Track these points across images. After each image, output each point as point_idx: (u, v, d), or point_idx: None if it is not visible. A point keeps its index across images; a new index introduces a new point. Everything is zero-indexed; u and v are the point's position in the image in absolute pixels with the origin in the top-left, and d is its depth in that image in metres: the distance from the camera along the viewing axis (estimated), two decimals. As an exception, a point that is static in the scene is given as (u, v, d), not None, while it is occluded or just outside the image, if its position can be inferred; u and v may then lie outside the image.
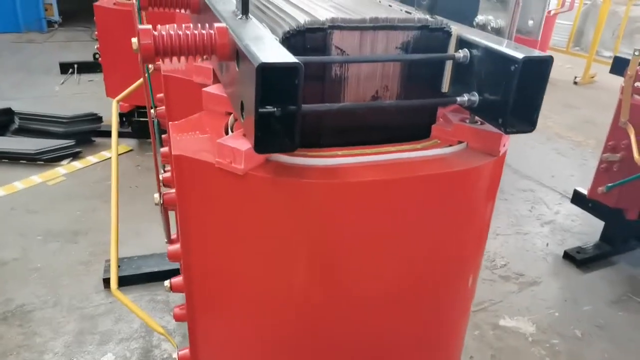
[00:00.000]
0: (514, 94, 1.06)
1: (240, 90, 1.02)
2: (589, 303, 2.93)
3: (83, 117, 4.61)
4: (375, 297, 1.24)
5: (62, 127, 4.44)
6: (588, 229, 3.64)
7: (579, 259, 3.21)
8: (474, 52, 1.17)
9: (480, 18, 1.36)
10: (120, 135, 4.72)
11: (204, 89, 1.40)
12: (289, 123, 0.93)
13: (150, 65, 2.27)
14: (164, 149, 1.91)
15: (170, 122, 1.31)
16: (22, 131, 4.54)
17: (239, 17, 1.21)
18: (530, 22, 1.35)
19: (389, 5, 1.39)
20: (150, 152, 4.77)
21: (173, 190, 1.31)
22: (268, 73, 0.87)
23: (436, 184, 1.16)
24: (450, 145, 1.26)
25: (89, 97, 5.92)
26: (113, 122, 2.06)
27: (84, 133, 4.59)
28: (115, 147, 1.93)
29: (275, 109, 0.91)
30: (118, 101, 2.21)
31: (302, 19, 1.12)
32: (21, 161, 4.17)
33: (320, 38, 1.13)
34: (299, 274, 1.19)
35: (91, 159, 4.37)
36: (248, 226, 1.15)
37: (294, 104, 0.91)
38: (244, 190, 1.10)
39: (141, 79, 2.28)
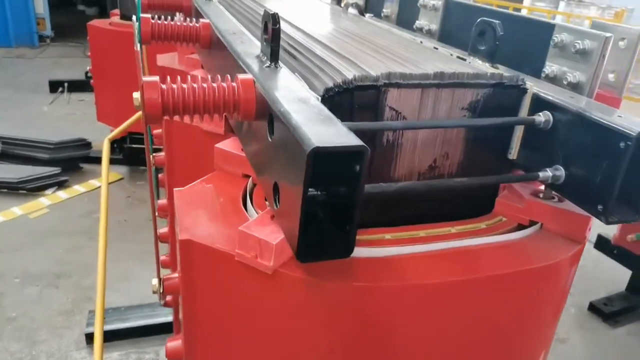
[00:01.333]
0: (623, 177, 0.82)
1: (274, 167, 0.78)
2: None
3: (71, 142, 4.33)
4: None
5: (48, 153, 4.16)
6: (612, 276, 3.41)
7: (606, 312, 2.98)
8: (558, 115, 0.94)
9: (551, 69, 1.13)
10: (111, 162, 4.46)
11: (217, 145, 1.16)
12: (344, 221, 0.69)
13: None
14: (162, 201, 1.66)
15: (175, 189, 1.06)
16: (5, 157, 4.25)
17: (267, 65, 0.97)
18: (611, 76, 1.14)
19: (450, 54, 1.16)
20: (142, 181, 4.50)
21: (175, 275, 1.06)
22: (322, 159, 0.63)
23: (517, 281, 0.92)
24: (521, 227, 1.03)
25: (80, 119, 5.65)
26: (103, 166, 1.81)
27: (71, 160, 4.30)
28: (105, 198, 1.67)
29: (327, 202, 0.67)
30: (110, 139, 1.95)
31: (350, 72, 0.88)
32: (2, 190, 3.87)
33: (373, 97, 0.89)
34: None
35: (78, 188, 4.08)
36: (274, 331, 0.90)
37: (351, 197, 0.67)
38: (272, 291, 0.85)
39: (135, 116, 2.04)
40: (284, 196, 0.73)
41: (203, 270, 0.91)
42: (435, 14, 1.65)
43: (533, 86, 0.99)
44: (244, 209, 1.01)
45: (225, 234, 0.91)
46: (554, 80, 1.15)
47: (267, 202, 0.94)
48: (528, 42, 1.21)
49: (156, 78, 0.85)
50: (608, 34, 1.02)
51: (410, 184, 0.89)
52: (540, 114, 0.96)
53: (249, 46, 1.15)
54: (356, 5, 1.84)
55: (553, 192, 1.05)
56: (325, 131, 0.66)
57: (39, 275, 2.99)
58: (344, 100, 0.88)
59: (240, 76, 0.89)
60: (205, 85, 0.87)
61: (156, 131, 2.17)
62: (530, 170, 1.04)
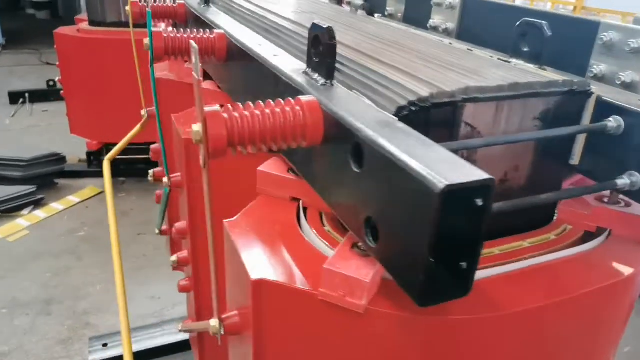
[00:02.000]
0: None
1: (367, 200, 0.71)
2: None
3: (44, 158, 4.10)
4: None
5: (21, 171, 3.92)
6: None
7: None
8: (630, 120, 0.91)
9: (599, 69, 1.11)
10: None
11: (260, 168, 1.08)
12: (466, 259, 0.63)
13: (144, 111, 1.92)
14: (178, 225, 1.56)
15: (226, 221, 0.98)
16: (-27, 177, 3.99)
17: (322, 83, 0.90)
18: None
19: (490, 57, 1.12)
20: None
21: (234, 313, 0.97)
22: (451, 197, 0.57)
23: (602, 297, 0.89)
24: (592, 236, 1.00)
25: (45, 130, 5.38)
26: (107, 191, 1.69)
27: (46, 176, 4.08)
28: (114, 229, 1.56)
29: (452, 242, 0.61)
30: (110, 159, 1.83)
31: (421, 89, 0.82)
32: (-26, 213, 3.64)
33: (449, 114, 0.83)
34: None
35: (56, 206, 3.87)
36: None
37: (476, 234, 0.61)
38: (362, 330, 0.79)
39: (133, 131, 1.92)
40: (389, 233, 0.67)
41: (279, 312, 0.84)
42: (452, 12, 1.61)
43: (597, 91, 0.96)
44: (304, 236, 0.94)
45: (299, 270, 0.85)
46: (602, 80, 1.12)
47: (343, 233, 0.88)
48: (570, 42, 1.18)
49: (218, 108, 0.77)
50: (664, 32, 1.00)
51: (502, 204, 0.84)
52: (611, 119, 0.93)
53: (286, 61, 1.07)
54: (364, 6, 1.78)
55: (620, 197, 1.03)
56: (443, 164, 0.60)
57: (28, 303, 2.82)
58: (419, 119, 0.81)
59: (303, 98, 0.82)
60: (268, 110, 0.80)
61: (154, 145, 2.05)
62: (594, 175, 1.01)
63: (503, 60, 1.12)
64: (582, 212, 1.02)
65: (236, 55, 1.28)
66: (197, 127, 0.76)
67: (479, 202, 0.60)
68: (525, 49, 1.11)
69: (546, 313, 0.82)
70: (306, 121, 0.80)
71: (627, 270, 0.90)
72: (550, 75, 0.98)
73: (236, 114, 0.78)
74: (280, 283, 0.82)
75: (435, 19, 1.69)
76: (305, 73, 0.96)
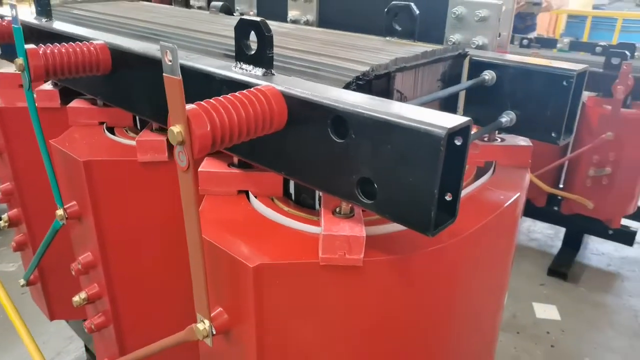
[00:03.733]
0: (570, 107, 1.09)
1: (357, 164, 0.80)
2: None
3: None
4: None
5: None
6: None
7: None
8: (500, 72, 1.16)
9: (455, 37, 1.36)
10: None
11: (201, 169, 1.08)
12: (453, 191, 0.77)
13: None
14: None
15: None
16: None
17: (262, 73, 0.95)
18: (504, 35, 1.42)
19: (388, 39, 1.28)
20: None
21: (218, 310, 0.96)
22: (449, 140, 0.70)
23: (514, 210, 1.13)
24: (490, 168, 1.24)
25: None
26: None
27: None
28: None
29: (446, 178, 0.74)
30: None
31: (360, 66, 0.94)
32: None
33: (385, 83, 0.97)
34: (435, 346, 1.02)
35: None
36: (368, 321, 0.93)
37: (460, 169, 0.76)
38: (362, 282, 0.88)
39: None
40: (388, 186, 0.77)
41: (281, 291, 0.88)
42: (309, 5, 1.75)
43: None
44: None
45: (284, 248, 0.90)
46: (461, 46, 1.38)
47: (303, 209, 0.94)
48: (427, 18, 1.41)
49: (195, 106, 0.77)
50: (499, 2, 1.29)
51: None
52: (486, 72, 1.17)
53: (204, 61, 1.08)
54: (225, 7, 1.81)
55: (496, 135, 1.29)
56: (427, 115, 0.73)
57: None
58: (363, 91, 0.93)
59: (262, 87, 0.86)
60: (237, 103, 0.83)
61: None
62: (478, 122, 1.26)
63: (385, 39, 1.30)
64: (472, 152, 1.26)
65: (131, 64, 1.22)
66: (176, 128, 0.76)
67: (460, 141, 0.74)
68: (399, 28, 1.30)
69: (481, 232, 1.01)
70: (272, 107, 0.85)
71: (521, 185, 1.16)
72: (429, 46, 1.18)
73: (213, 112, 0.79)
74: (278, 263, 0.86)
75: (293, 13, 1.82)
76: (242, 68, 0.99)
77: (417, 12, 1.27)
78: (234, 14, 1.89)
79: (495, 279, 1.20)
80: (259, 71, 0.96)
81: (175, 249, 1.39)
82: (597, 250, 3.82)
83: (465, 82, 1.14)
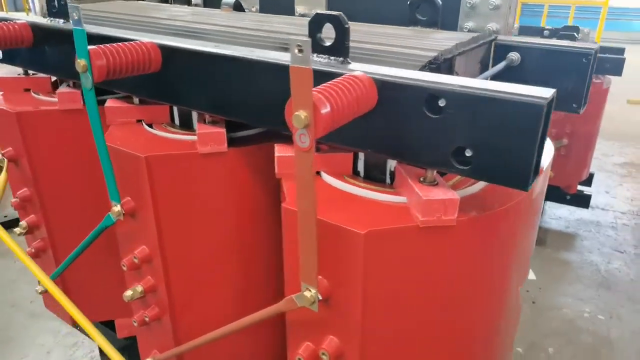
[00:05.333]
0: (588, 80, 1.27)
1: (454, 135, 0.92)
2: None
3: None
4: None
5: None
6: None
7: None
8: (522, 53, 1.33)
9: (468, 25, 1.51)
10: None
11: (277, 154, 1.17)
12: (540, 152, 0.91)
13: None
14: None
15: (287, 206, 1.06)
16: None
17: (340, 61, 1.06)
18: (510, 22, 1.59)
19: (415, 28, 1.41)
20: None
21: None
22: (546, 109, 0.84)
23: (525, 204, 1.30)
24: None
25: None
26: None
27: None
28: None
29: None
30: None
31: (428, 52, 1.07)
32: None
33: (449, 66, 1.10)
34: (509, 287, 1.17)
35: None
36: (456, 274, 1.07)
37: (545, 134, 0.90)
38: (453, 240, 1.02)
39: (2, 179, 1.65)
40: (485, 152, 0.90)
41: (386, 255, 0.99)
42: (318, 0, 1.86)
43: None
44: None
45: (380, 215, 1.01)
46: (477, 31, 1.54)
47: (372, 182, 1.05)
48: (443, 8, 1.56)
49: (317, 93, 0.86)
50: (512, -9, 1.45)
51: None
52: (512, 54, 1.33)
53: (271, 54, 1.16)
54: (237, 4, 1.87)
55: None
56: (521, 89, 0.87)
57: None
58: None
59: (355, 73, 0.97)
60: (343, 87, 0.93)
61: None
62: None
63: (413, 29, 1.43)
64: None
65: (184, 62, 1.28)
66: (303, 113, 0.85)
67: (547, 110, 0.88)
68: (422, 18, 1.44)
69: (511, 211, 1.16)
70: (367, 91, 0.96)
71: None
72: (460, 34, 1.33)
73: (331, 97, 0.89)
74: (384, 228, 0.98)
75: (301, 8, 1.91)
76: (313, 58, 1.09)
77: (440, 2, 1.41)
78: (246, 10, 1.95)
79: (530, 246, 1.36)
80: (337, 60, 1.06)
81: (229, 237, 1.47)
82: (555, 215, 4.19)
83: (501, 63, 1.30)
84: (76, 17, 1.16)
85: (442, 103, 0.91)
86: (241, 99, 1.21)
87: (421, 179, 1.04)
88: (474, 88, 0.88)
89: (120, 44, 1.24)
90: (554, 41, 1.34)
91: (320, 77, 1.01)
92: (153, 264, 1.46)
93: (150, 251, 1.44)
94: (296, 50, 0.82)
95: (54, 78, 1.90)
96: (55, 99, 1.77)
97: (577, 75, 1.28)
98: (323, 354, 1.10)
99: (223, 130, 1.32)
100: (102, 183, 1.82)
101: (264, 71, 1.14)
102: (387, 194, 1.09)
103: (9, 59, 1.81)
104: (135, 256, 1.45)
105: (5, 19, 1.63)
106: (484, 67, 1.30)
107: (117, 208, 1.38)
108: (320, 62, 1.07)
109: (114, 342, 2.19)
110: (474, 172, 0.93)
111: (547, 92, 0.85)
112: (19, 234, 1.88)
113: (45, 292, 1.99)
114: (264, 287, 1.62)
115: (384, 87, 0.97)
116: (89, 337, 1.63)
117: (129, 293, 1.52)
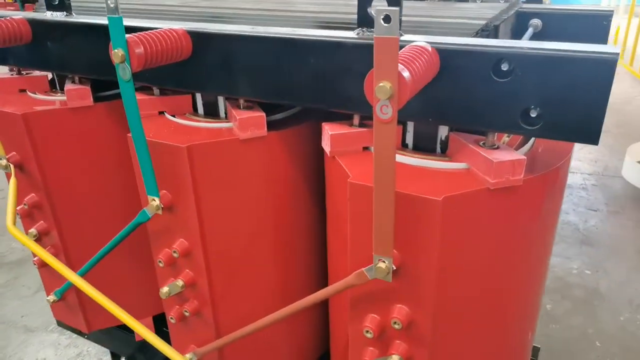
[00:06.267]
0: (606, 43, 1.34)
1: (524, 95, 0.95)
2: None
3: None
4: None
5: None
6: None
7: None
8: (546, 19, 1.38)
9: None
10: None
11: (330, 132, 1.17)
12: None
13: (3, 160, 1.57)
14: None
15: (353, 181, 1.06)
16: None
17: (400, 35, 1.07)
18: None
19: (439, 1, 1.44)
20: None
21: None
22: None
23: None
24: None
25: None
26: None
27: None
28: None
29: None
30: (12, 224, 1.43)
31: (478, 21, 1.10)
32: None
33: (495, 32, 1.13)
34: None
35: None
36: (522, 231, 1.11)
37: (609, 89, 0.95)
38: (519, 199, 1.06)
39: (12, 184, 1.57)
40: (554, 111, 0.94)
41: (460, 219, 1.02)
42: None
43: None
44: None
45: (447, 182, 1.04)
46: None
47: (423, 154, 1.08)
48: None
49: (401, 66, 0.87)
50: (523, -39, 1.50)
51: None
52: (534, 20, 1.38)
53: (316, 31, 1.16)
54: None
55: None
56: (584, 47, 0.91)
57: None
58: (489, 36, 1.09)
59: (419, 44, 0.98)
60: (418, 56, 0.94)
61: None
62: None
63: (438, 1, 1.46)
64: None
65: (217, 47, 1.25)
66: (387, 84, 0.86)
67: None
68: (439, -10, 1.47)
69: (561, 169, 1.21)
70: (432, 60, 0.98)
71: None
72: (492, 4, 1.36)
73: (409, 67, 0.90)
74: (458, 193, 1.00)
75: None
76: (364, 33, 1.10)
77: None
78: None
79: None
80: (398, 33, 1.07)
81: (268, 223, 1.46)
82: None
83: (529, 29, 1.34)
84: (112, 5, 1.11)
85: (508, 67, 0.94)
86: (286, 79, 1.19)
87: (482, 144, 1.08)
88: (544, 49, 0.91)
89: (153, 31, 1.20)
90: (575, 6, 1.40)
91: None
92: (193, 257, 1.44)
93: (190, 244, 1.42)
94: (382, 21, 0.83)
95: (50, 76, 1.81)
96: (56, 98, 1.69)
97: (596, 37, 1.35)
98: (395, 322, 1.12)
99: (263, 114, 1.30)
100: (114, 181, 1.77)
101: (310, 49, 1.13)
102: (446, 162, 1.12)
103: (1, 60, 1.71)
104: (175, 250, 1.41)
105: (2, 16, 1.53)
106: (512, 34, 1.35)
107: (155, 202, 1.34)
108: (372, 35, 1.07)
109: (129, 345, 2.15)
110: (543, 132, 0.97)
111: (613, 48, 0.89)
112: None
113: (57, 302, 1.92)
114: (304, 272, 1.63)
115: (449, 55, 0.99)
116: (93, 345, 1.58)
117: (165, 289, 1.48)
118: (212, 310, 1.50)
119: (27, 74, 1.81)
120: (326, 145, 1.21)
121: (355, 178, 1.07)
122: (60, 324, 2.31)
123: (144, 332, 1.39)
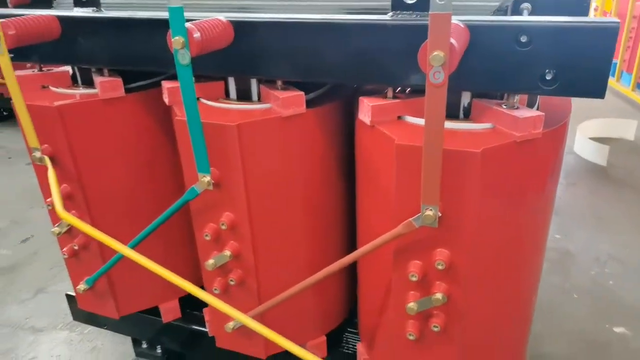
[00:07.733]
0: (589, 19, 1.57)
1: (540, 63, 1.15)
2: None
3: None
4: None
5: None
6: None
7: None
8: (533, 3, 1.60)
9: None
10: None
11: (371, 104, 1.33)
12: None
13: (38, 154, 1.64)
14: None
15: (400, 143, 1.23)
16: None
17: (426, 14, 1.25)
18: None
19: None
20: None
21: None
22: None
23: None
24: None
25: None
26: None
27: None
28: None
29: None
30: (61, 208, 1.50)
31: (492, 3, 1.30)
32: None
33: (505, 12, 1.34)
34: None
35: None
36: (539, 181, 1.32)
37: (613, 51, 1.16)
38: (536, 151, 1.26)
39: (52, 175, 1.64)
40: (567, 72, 1.14)
41: (495, 170, 1.21)
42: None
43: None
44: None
45: (478, 139, 1.23)
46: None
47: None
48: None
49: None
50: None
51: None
52: (524, 4, 1.59)
53: (351, 17, 1.32)
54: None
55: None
56: (589, 19, 1.12)
57: None
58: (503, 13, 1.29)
59: (455, 22, 1.17)
60: (458, 30, 1.12)
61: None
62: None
63: None
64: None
65: (261, 34, 1.38)
66: (441, 53, 1.03)
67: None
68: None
69: (566, 125, 1.44)
70: (465, 35, 1.17)
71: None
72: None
73: (455, 39, 1.07)
74: (493, 146, 1.19)
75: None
76: (398, 15, 1.27)
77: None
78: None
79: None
80: (423, 15, 1.25)
81: (307, 194, 1.60)
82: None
83: (524, 13, 1.55)
84: (172, -4, 1.23)
85: (527, 38, 1.14)
86: (326, 60, 1.35)
87: (504, 105, 1.27)
88: (557, 22, 1.11)
89: (202, 20, 1.32)
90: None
91: (414, 30, 1.21)
92: (239, 229, 1.56)
93: (236, 217, 1.54)
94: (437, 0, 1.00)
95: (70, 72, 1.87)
96: (80, 92, 1.77)
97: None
98: (439, 263, 1.30)
99: (302, 93, 1.45)
100: (145, 171, 1.86)
101: (350, 32, 1.29)
102: (472, 123, 1.31)
103: (23, 57, 1.76)
104: (223, 222, 1.54)
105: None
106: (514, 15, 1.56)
107: (206, 179, 1.46)
108: (408, 18, 1.25)
109: (155, 326, 2.21)
110: (559, 90, 1.17)
111: (614, 19, 1.11)
112: (58, 234, 1.85)
113: (87, 291, 1.98)
114: (333, 239, 1.78)
115: (477, 31, 1.17)
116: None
117: (211, 261, 1.60)
118: (256, 278, 1.64)
119: (48, 70, 1.86)
120: (366, 116, 1.37)
121: (400, 140, 1.24)
122: (77, 317, 2.35)
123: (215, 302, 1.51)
